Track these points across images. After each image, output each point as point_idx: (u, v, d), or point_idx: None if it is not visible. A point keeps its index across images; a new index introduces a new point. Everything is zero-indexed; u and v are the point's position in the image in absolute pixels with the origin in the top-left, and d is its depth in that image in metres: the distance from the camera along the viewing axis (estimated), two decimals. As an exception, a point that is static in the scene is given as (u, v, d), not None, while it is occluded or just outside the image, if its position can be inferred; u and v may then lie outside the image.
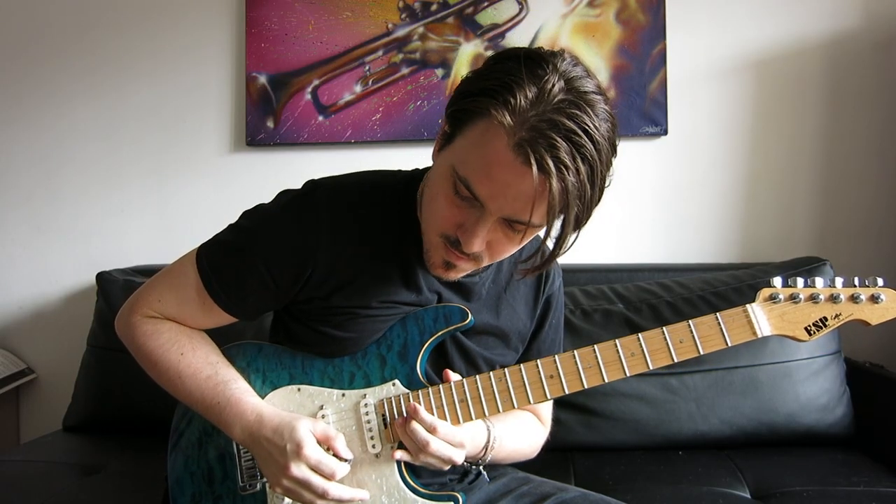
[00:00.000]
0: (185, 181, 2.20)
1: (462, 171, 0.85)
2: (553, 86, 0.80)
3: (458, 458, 0.97)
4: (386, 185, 1.06)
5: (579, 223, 0.85)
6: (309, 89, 2.12)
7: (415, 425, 0.96)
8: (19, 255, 2.27)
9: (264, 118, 2.13)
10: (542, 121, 0.79)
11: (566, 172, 0.79)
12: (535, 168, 0.78)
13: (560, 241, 0.85)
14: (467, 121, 0.85)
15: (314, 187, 1.04)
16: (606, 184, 0.86)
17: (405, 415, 0.99)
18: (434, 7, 2.08)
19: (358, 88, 2.11)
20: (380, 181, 1.06)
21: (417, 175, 1.07)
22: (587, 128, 0.80)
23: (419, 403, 0.99)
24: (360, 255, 1.01)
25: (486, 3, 2.06)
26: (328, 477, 0.94)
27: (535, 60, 0.82)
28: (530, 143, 0.79)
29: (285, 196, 1.05)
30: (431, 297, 1.05)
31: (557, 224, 0.85)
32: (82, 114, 2.23)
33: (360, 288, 1.01)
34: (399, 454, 0.98)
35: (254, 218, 1.05)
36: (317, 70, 2.12)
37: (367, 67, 2.11)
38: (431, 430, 0.96)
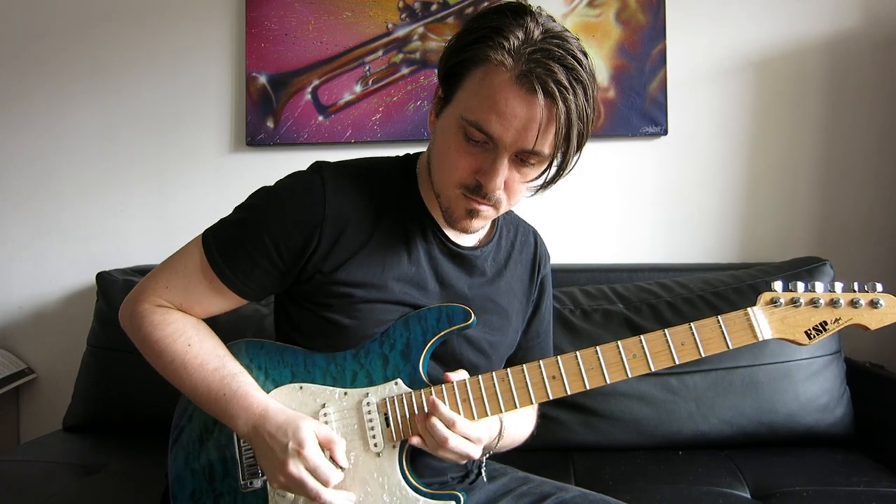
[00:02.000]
0: (185, 181, 2.20)
1: (471, 116, 0.91)
2: (534, 27, 0.90)
3: (475, 453, 0.99)
4: (385, 165, 1.11)
5: (581, 142, 0.93)
6: (309, 89, 2.12)
7: (434, 421, 0.97)
8: (19, 255, 2.27)
9: (264, 118, 2.13)
10: (535, 52, 0.88)
11: (567, 93, 0.88)
12: (540, 93, 0.88)
13: (565, 158, 0.93)
14: (464, 73, 0.93)
15: (319, 167, 1.07)
16: (596, 105, 0.96)
17: (425, 410, 0.99)
18: (434, 7, 2.08)
19: (358, 88, 2.11)
20: (380, 162, 1.12)
21: (411, 157, 1.13)
22: (574, 53, 0.90)
23: (422, 402, 0.99)
24: (363, 228, 1.03)
25: (486, 3, 2.07)
26: (323, 483, 0.94)
27: (515, 10, 0.92)
28: (531, 73, 0.87)
29: (291, 176, 1.08)
30: (430, 272, 1.07)
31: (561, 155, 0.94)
32: (82, 114, 2.23)
33: (363, 261, 1.03)
34: (416, 440, 0.98)
35: (259, 196, 1.07)
36: (317, 70, 2.12)
37: (367, 67, 2.11)
38: (450, 424, 0.97)
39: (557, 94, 0.87)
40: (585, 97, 0.90)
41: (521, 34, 0.89)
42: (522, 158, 0.94)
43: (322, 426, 0.99)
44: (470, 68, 0.92)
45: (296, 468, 0.93)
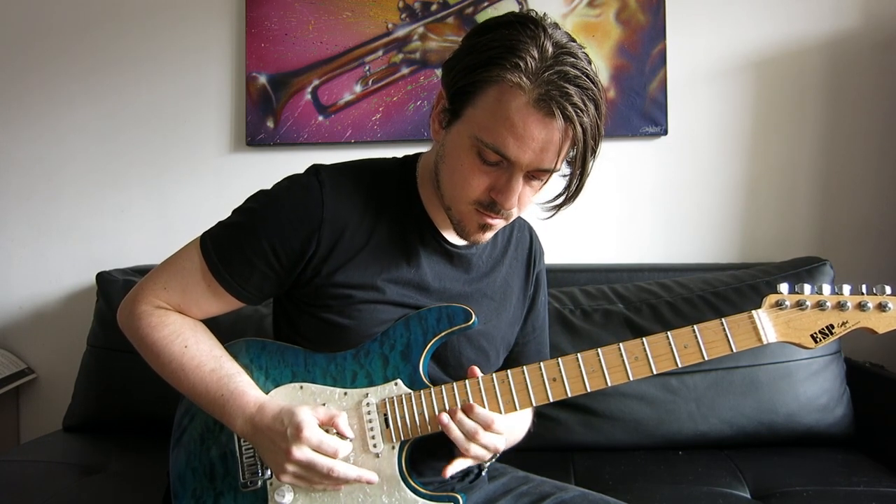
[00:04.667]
0: (185, 181, 2.20)
1: (487, 137, 0.91)
2: (546, 42, 0.89)
3: (501, 445, 1.00)
4: (383, 167, 1.11)
5: (594, 155, 0.94)
6: (309, 89, 2.12)
7: (467, 420, 0.98)
8: (19, 255, 2.26)
9: (264, 118, 2.13)
10: (551, 74, 0.87)
11: (583, 115, 0.89)
12: (559, 117, 0.88)
13: (582, 175, 0.95)
14: (476, 91, 0.92)
15: (316, 170, 1.06)
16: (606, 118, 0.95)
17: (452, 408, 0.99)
18: (434, 7, 2.08)
19: (358, 88, 2.11)
20: (377, 164, 1.12)
21: (409, 159, 1.13)
22: (586, 71, 0.89)
23: (421, 403, 1.00)
24: (361, 231, 1.04)
25: (486, 3, 2.07)
26: (331, 455, 0.95)
27: (525, 24, 0.90)
28: (549, 96, 0.87)
29: (289, 179, 1.08)
30: (430, 274, 1.07)
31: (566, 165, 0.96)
32: (83, 114, 2.23)
33: (362, 264, 1.03)
34: (450, 469, 0.98)
35: (258, 199, 1.07)
36: (317, 70, 2.12)
37: (367, 67, 2.11)
38: (487, 425, 0.97)
39: (575, 116, 0.88)
40: (598, 114, 0.91)
41: (535, 52, 0.87)
42: (535, 175, 0.95)
43: (319, 407, 0.99)
44: (484, 87, 0.91)
45: (300, 451, 0.93)
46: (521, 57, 0.87)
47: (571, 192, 0.97)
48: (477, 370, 1.02)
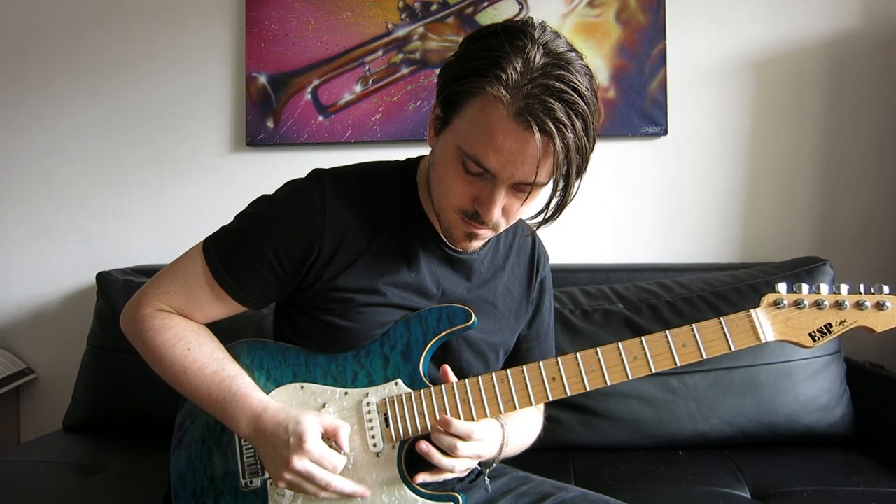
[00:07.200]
0: (186, 181, 2.20)
1: (469, 149, 0.90)
2: (535, 54, 0.86)
3: (486, 451, 1.01)
4: (385, 171, 1.11)
5: (580, 173, 0.91)
6: (309, 89, 2.12)
7: (444, 437, 0.98)
8: (19, 255, 2.26)
9: (264, 118, 2.13)
10: (534, 87, 0.85)
11: (565, 130, 0.85)
12: (536, 132, 0.85)
13: (566, 192, 0.92)
14: (462, 102, 0.91)
15: (318, 175, 1.07)
16: (597, 133, 0.92)
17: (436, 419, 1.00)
18: (434, 7, 2.08)
19: (358, 88, 2.11)
20: (379, 168, 1.12)
21: (411, 163, 1.12)
22: (575, 85, 0.86)
23: (421, 403, 1.00)
24: (363, 235, 1.04)
25: (486, 3, 2.07)
26: (331, 470, 0.95)
27: (513, 33, 0.88)
28: (528, 110, 0.85)
29: (290, 184, 1.08)
30: (430, 278, 1.07)
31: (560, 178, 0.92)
32: (83, 114, 2.23)
33: (363, 268, 1.03)
34: (425, 447, 0.98)
35: (260, 205, 1.08)
36: (317, 70, 2.12)
37: (367, 67, 2.11)
38: (467, 437, 0.98)
39: (555, 131, 0.85)
40: (585, 129, 0.87)
41: (519, 64, 0.85)
42: (520, 188, 0.94)
43: (325, 415, 0.99)
44: (468, 98, 0.90)
45: (300, 462, 0.93)
46: (503, 69, 0.85)
47: (552, 211, 0.95)
48: (450, 373, 1.02)
